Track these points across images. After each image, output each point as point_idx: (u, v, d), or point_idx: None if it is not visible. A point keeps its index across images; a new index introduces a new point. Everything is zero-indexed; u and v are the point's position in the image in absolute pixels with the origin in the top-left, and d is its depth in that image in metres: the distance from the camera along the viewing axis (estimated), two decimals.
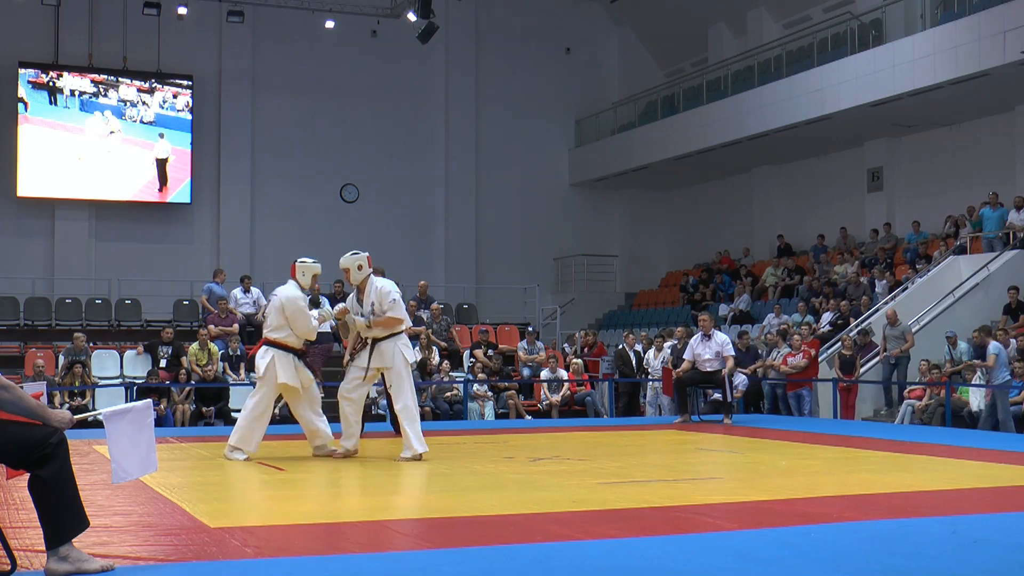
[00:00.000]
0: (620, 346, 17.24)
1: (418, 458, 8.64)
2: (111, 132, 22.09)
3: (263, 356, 8.93)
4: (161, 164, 22.44)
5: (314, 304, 9.55)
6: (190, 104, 22.66)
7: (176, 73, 22.64)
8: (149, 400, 4.79)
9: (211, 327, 16.19)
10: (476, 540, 5.31)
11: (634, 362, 16.80)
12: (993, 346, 13.92)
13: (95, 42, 22.22)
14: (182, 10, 21.55)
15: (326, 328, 15.66)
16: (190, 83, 22.70)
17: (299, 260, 9.26)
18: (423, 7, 20.28)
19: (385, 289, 8.95)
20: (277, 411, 15.03)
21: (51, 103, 21.81)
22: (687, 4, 24.69)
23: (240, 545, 4.88)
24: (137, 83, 22.35)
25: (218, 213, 23.33)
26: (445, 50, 24.78)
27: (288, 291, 8.99)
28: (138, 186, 22.45)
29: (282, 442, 10.18)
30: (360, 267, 8.99)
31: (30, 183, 21.68)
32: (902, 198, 21.15)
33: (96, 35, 22.26)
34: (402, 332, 9.01)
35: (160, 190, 22.49)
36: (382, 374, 9.10)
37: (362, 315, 8.90)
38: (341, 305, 9.40)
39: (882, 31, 19.26)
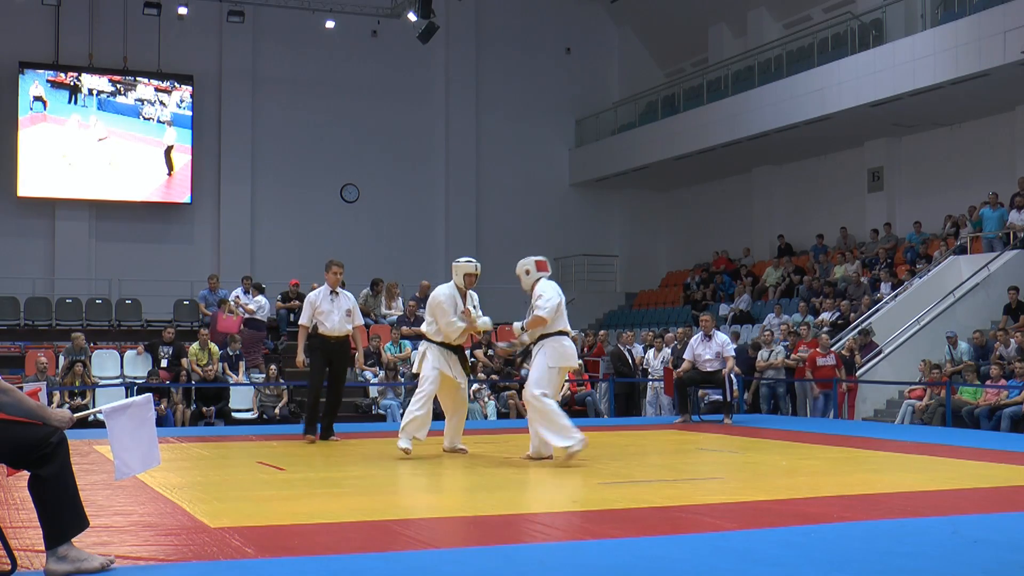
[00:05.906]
0: (614, 346, 17.22)
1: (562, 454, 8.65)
2: (101, 138, 22.13)
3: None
4: (168, 151, 22.51)
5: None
6: (190, 104, 22.69)
7: (176, 73, 22.65)
8: (149, 395, 4.77)
9: (206, 330, 16.24)
10: (475, 540, 5.31)
11: (631, 361, 16.75)
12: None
13: (95, 42, 22.21)
14: (182, 10, 21.57)
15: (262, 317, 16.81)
16: (190, 83, 22.71)
17: (455, 261, 9.63)
18: (423, 7, 20.29)
19: (538, 290, 8.86)
20: (277, 411, 15.06)
21: (71, 102, 21.85)
22: (687, 4, 24.69)
23: (240, 545, 4.88)
24: (155, 82, 22.38)
25: (218, 213, 23.33)
26: (445, 50, 24.78)
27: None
28: (139, 186, 22.46)
29: (282, 442, 10.18)
30: (528, 272, 8.97)
31: (30, 183, 21.69)
32: (902, 198, 21.15)
33: (96, 35, 22.26)
34: (554, 334, 8.74)
35: (168, 176, 22.52)
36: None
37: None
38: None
39: (882, 31, 19.26)
